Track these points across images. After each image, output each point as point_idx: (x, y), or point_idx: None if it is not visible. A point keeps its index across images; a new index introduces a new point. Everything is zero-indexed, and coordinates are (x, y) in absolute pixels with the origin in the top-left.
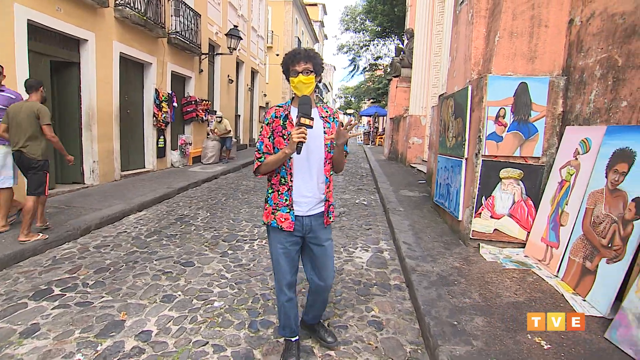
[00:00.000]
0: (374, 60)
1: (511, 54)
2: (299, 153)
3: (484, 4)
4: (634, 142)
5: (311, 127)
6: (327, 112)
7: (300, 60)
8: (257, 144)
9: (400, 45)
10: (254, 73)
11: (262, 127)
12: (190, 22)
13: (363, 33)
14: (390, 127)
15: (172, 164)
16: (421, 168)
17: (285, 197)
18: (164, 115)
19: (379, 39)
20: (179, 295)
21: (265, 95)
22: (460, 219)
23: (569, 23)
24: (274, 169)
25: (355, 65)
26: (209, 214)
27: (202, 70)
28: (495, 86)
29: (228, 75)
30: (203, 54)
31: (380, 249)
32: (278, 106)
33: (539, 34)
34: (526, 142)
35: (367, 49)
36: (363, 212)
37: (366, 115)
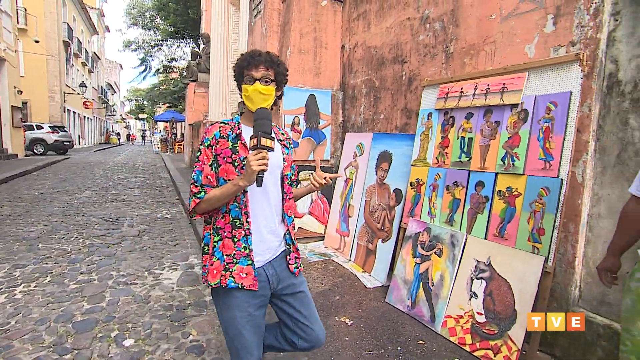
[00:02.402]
0: (168, 61)
1: (301, 69)
2: (259, 185)
3: (276, 20)
4: (391, 146)
5: (273, 149)
6: (283, 134)
7: (260, 65)
8: (193, 173)
9: (197, 50)
10: None
11: (199, 150)
12: None
13: (154, 31)
14: (190, 133)
15: None
16: None
17: (244, 245)
18: None
19: (173, 40)
20: None
21: (20, 92)
22: None
23: (342, 48)
24: (218, 208)
25: (146, 66)
26: None
27: None
28: (290, 96)
29: None
30: None
31: (190, 265)
32: (223, 123)
33: (321, 53)
34: (318, 147)
35: (160, 49)
36: (167, 227)
37: (162, 121)
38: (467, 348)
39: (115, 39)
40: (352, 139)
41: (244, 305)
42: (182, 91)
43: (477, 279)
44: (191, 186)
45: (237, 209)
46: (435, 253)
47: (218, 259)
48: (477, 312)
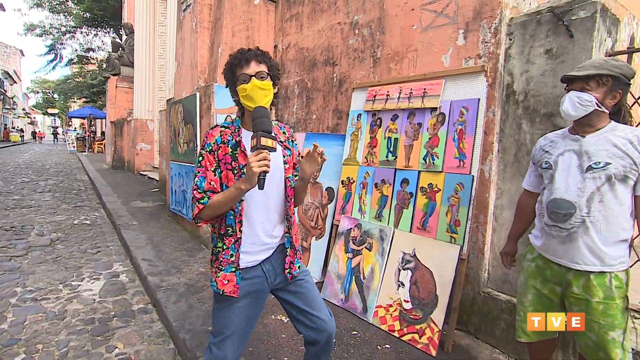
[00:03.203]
0: (84, 51)
1: None
2: (261, 187)
3: (207, 16)
4: (323, 146)
5: (274, 149)
6: (284, 134)
7: (251, 61)
8: (196, 179)
9: (118, 41)
10: None
11: (200, 155)
12: None
13: (65, 16)
14: (112, 131)
15: None
16: (153, 175)
17: (232, 252)
18: None
19: (90, 27)
20: None
21: None
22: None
23: (275, 48)
24: (222, 214)
25: (56, 54)
26: None
27: None
28: (222, 95)
29: None
30: None
31: (115, 273)
32: (223, 127)
33: None
34: None
35: (73, 36)
36: (86, 233)
37: (78, 117)
38: (396, 334)
39: (13, 20)
40: None
41: (236, 300)
42: (102, 85)
43: (403, 269)
44: (194, 192)
45: (231, 216)
46: (365, 248)
47: (216, 262)
48: (404, 300)
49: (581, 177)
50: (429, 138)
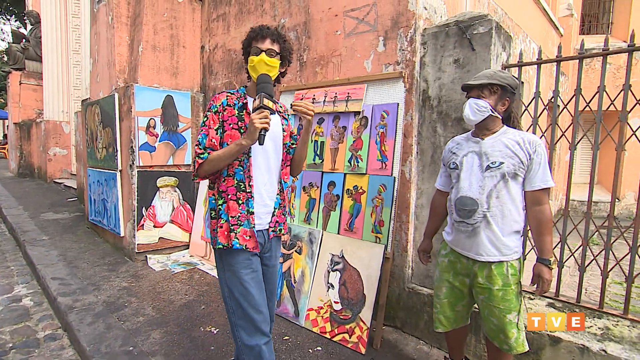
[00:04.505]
0: None
1: (156, 67)
2: (261, 143)
3: (125, 10)
4: None
5: (274, 111)
6: (281, 107)
7: (267, 38)
8: (199, 136)
9: (22, 30)
10: None
11: (205, 116)
12: None
13: None
14: (16, 134)
15: None
16: (70, 183)
17: (247, 208)
18: None
19: None
20: None
21: None
22: (122, 234)
23: (202, 48)
24: (219, 170)
25: None
26: None
27: None
28: (143, 97)
29: None
30: None
31: (16, 297)
32: (230, 93)
33: (179, 52)
34: (177, 151)
35: None
36: None
37: None
38: (327, 335)
39: None
40: None
41: (247, 262)
42: (3, 81)
43: (332, 271)
44: (196, 148)
45: (241, 172)
46: (295, 251)
47: (226, 221)
48: (334, 301)
49: (482, 176)
50: (353, 141)
